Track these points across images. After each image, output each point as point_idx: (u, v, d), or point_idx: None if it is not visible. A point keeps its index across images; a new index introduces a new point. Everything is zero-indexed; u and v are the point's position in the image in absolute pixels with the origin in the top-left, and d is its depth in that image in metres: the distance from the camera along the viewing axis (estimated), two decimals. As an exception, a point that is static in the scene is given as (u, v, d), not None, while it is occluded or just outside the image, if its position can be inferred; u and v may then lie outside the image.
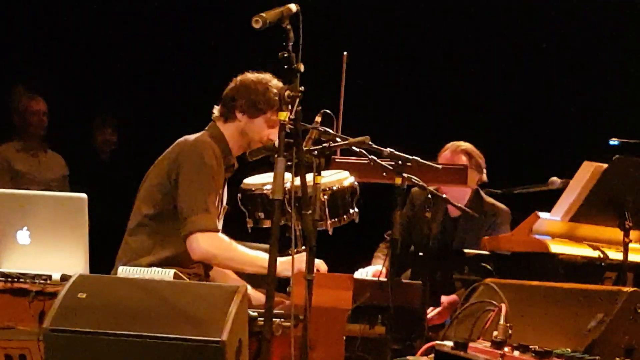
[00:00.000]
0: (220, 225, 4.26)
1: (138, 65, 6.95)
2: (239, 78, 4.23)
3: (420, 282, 4.33)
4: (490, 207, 5.20)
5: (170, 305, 3.12)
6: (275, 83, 4.17)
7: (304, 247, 3.86)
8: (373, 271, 5.01)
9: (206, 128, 4.23)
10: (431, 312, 4.92)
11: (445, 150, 5.27)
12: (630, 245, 4.17)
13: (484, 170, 5.24)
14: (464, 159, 5.20)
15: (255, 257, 4.05)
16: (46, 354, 3.10)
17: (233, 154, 4.21)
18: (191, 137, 4.17)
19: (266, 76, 4.20)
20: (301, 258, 3.74)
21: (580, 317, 3.31)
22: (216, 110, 4.24)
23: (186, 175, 4.03)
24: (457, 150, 5.24)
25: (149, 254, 4.04)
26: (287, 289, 3.92)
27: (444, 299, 4.93)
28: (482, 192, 5.23)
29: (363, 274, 5.00)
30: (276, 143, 3.28)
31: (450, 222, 5.18)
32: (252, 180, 4.17)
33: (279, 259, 3.77)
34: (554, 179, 4.74)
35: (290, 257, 3.75)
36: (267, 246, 3.27)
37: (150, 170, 4.18)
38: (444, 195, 4.72)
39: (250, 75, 4.22)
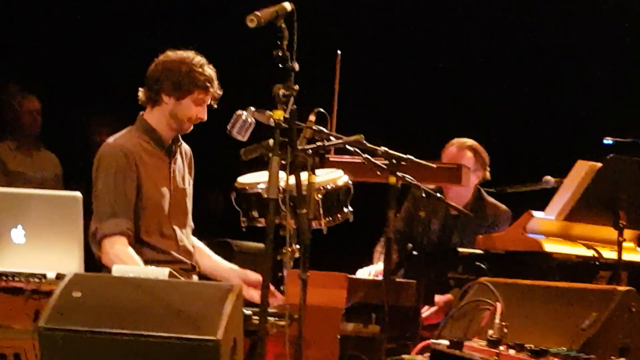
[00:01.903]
0: (190, 205, 4.27)
1: (133, 64, 6.93)
2: (161, 58, 4.19)
3: (415, 281, 4.34)
4: (491, 207, 5.21)
5: (165, 304, 3.11)
6: (198, 60, 4.14)
7: (298, 246, 3.86)
8: (376, 270, 5.00)
9: (135, 123, 4.23)
10: (426, 312, 4.92)
11: (451, 146, 5.27)
12: (624, 244, 4.18)
13: (488, 168, 5.24)
14: (469, 155, 5.21)
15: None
16: (41, 352, 3.10)
17: (165, 138, 4.19)
18: (111, 137, 4.18)
19: (189, 54, 4.17)
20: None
21: (575, 316, 3.31)
22: (142, 93, 4.21)
23: (99, 178, 4.07)
24: (464, 147, 5.25)
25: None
26: (282, 288, 3.93)
27: (439, 298, 4.93)
28: (483, 191, 5.23)
29: (365, 273, 4.99)
30: (271, 142, 3.28)
31: (451, 219, 5.18)
32: (246, 179, 4.17)
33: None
34: (548, 178, 4.74)
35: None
36: (261, 245, 3.27)
37: None
38: (438, 195, 4.72)
39: (172, 55, 4.18)
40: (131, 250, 4.02)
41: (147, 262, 3.97)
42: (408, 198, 5.22)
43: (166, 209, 4.15)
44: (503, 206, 5.22)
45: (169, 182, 4.19)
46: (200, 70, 4.12)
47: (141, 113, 4.24)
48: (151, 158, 4.15)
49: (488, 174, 5.25)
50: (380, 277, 4.86)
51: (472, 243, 4.98)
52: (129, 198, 4.06)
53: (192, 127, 4.21)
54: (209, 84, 4.13)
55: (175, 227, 4.19)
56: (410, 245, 4.55)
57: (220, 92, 4.18)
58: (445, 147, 5.27)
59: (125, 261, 3.93)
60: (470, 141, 5.28)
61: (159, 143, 4.19)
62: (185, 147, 4.34)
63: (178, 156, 4.27)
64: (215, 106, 4.21)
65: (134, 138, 4.16)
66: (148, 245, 4.10)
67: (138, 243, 4.07)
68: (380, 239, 5.32)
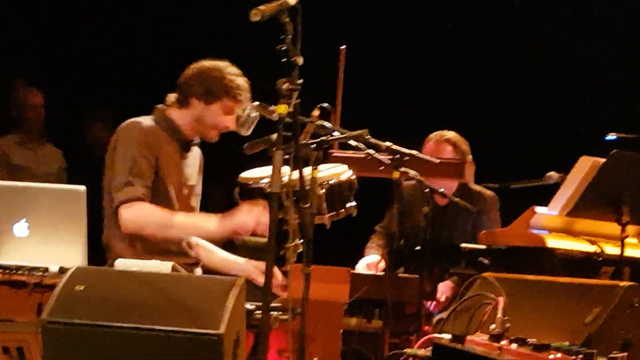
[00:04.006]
0: (195, 204, 4.27)
1: (137, 58, 6.95)
2: (195, 65, 4.22)
3: (417, 276, 4.34)
4: (478, 195, 5.21)
5: (168, 298, 3.12)
6: (231, 70, 4.18)
7: (301, 241, 3.86)
8: (366, 263, 5.01)
9: (152, 113, 4.23)
10: (431, 305, 4.94)
11: (430, 141, 5.25)
12: (627, 240, 4.18)
13: (470, 157, 5.21)
14: (449, 149, 5.20)
15: (188, 221, 4.06)
16: (44, 346, 3.10)
17: (184, 133, 4.20)
18: (126, 121, 4.17)
19: (222, 63, 4.20)
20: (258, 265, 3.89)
21: (578, 311, 3.32)
22: (172, 96, 4.24)
23: (114, 157, 4.06)
24: (441, 140, 5.23)
25: (131, 251, 4.04)
26: (285, 283, 3.93)
27: (442, 288, 4.94)
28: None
29: (358, 267, 5.00)
30: (274, 136, 3.28)
31: (439, 210, 5.17)
32: (249, 174, 4.17)
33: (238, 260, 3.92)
34: (552, 173, 4.74)
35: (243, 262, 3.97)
36: (264, 240, 3.28)
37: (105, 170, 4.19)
38: (442, 190, 4.71)
39: (206, 63, 4.21)
40: (152, 206, 4.00)
41: (151, 254, 3.97)
42: (396, 196, 5.21)
43: (174, 201, 4.16)
44: (489, 192, 5.23)
45: (179, 176, 4.20)
46: (232, 78, 4.15)
47: (161, 106, 4.24)
48: (167, 146, 4.16)
49: (473, 164, 5.23)
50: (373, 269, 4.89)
51: (461, 233, 4.99)
52: (146, 169, 4.05)
53: (217, 137, 4.21)
54: (238, 93, 4.14)
55: None
56: (402, 242, 4.55)
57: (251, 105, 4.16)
58: (425, 142, 5.25)
59: (149, 216, 3.95)
60: (449, 134, 5.25)
61: (176, 135, 4.19)
62: (198, 149, 4.34)
63: (190, 154, 4.28)
64: None
65: (153, 124, 4.16)
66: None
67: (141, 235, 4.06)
68: (371, 237, 5.33)
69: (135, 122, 4.13)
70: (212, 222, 4.03)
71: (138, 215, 3.99)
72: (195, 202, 4.31)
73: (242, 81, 4.18)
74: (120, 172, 4.03)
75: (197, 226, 4.09)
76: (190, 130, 4.22)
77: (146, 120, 4.17)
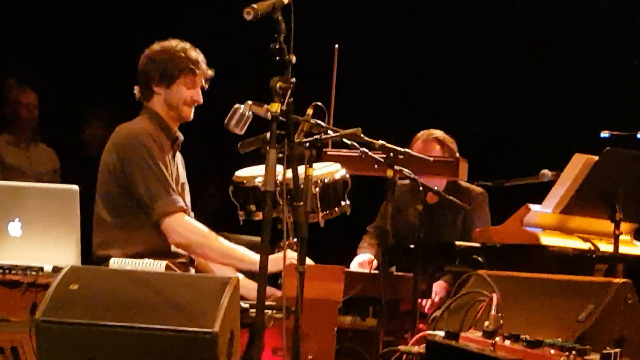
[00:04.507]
0: (188, 201, 4.26)
1: (130, 57, 6.94)
2: (146, 52, 4.24)
3: (412, 274, 4.34)
4: (466, 191, 5.22)
5: (162, 297, 3.12)
6: (181, 46, 4.19)
7: (295, 240, 3.86)
8: (358, 262, 5.01)
9: (141, 112, 4.23)
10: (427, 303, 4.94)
11: (417, 141, 5.26)
12: (621, 237, 4.19)
13: (457, 155, 5.21)
14: (437, 148, 5.21)
15: (233, 248, 4.06)
16: (38, 345, 3.10)
17: (171, 129, 4.21)
18: (127, 126, 4.17)
19: (171, 42, 4.22)
20: (289, 254, 3.77)
21: (572, 308, 3.32)
22: (136, 90, 4.25)
23: (137, 167, 4.03)
24: (430, 139, 5.24)
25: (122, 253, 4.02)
26: (279, 282, 3.93)
27: (435, 289, 4.94)
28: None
29: (351, 267, 5.00)
30: (268, 135, 3.27)
31: (428, 208, 5.16)
32: (244, 173, 4.18)
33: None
34: (545, 171, 4.74)
35: (277, 254, 3.78)
36: (258, 239, 3.28)
37: (100, 176, 4.16)
38: (436, 188, 4.71)
39: (156, 46, 4.23)
40: (197, 222, 4.05)
41: (145, 254, 3.96)
42: (390, 194, 5.21)
43: (188, 201, 4.16)
44: (478, 188, 5.23)
45: (173, 175, 4.19)
46: (182, 54, 4.17)
47: (147, 103, 4.24)
48: (165, 146, 4.16)
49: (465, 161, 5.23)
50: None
51: (451, 230, 4.99)
52: (168, 175, 4.07)
53: (192, 112, 4.21)
54: (193, 66, 4.16)
55: None
56: (393, 240, 4.55)
57: (210, 73, 4.21)
58: (413, 142, 5.26)
59: (202, 234, 3.98)
60: (436, 132, 5.27)
61: (166, 131, 4.19)
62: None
63: (178, 153, 4.28)
64: (207, 87, 4.23)
65: (149, 125, 4.16)
66: (149, 236, 4.07)
67: (138, 232, 4.06)
68: (363, 237, 5.34)
69: (140, 129, 4.11)
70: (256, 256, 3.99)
71: (188, 230, 4.01)
72: (188, 201, 4.30)
73: (192, 53, 4.19)
74: (154, 182, 4.02)
75: (239, 258, 4.06)
76: (169, 118, 4.21)
77: (144, 122, 4.16)
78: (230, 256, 4.05)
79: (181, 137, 4.27)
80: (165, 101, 4.19)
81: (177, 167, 4.25)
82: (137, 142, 4.06)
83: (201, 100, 4.20)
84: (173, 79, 4.17)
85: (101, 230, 4.08)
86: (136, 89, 4.24)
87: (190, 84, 4.18)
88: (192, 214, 4.24)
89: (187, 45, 4.21)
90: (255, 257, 3.94)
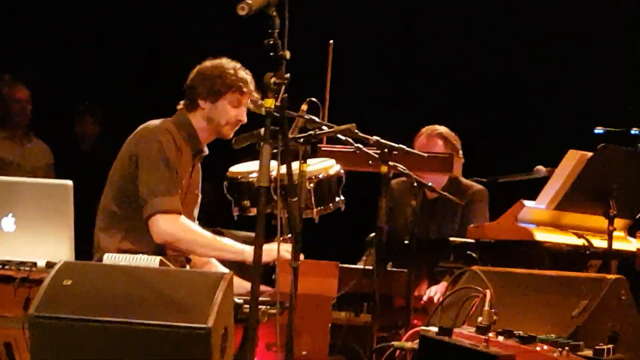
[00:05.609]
0: (196, 214, 4.27)
1: (123, 53, 6.93)
2: (197, 68, 4.26)
3: (406, 270, 4.35)
4: (467, 188, 5.22)
5: (156, 292, 3.11)
6: (232, 65, 4.20)
7: (289, 235, 3.86)
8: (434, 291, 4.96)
9: (172, 116, 4.24)
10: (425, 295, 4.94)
11: (421, 136, 5.26)
12: (615, 233, 4.20)
13: (461, 152, 5.23)
14: (440, 144, 5.21)
15: (219, 241, 4.08)
16: (32, 341, 3.09)
17: (202, 142, 4.22)
18: (152, 122, 4.17)
19: (222, 60, 4.23)
20: (283, 247, 3.77)
21: (565, 304, 3.33)
22: (181, 104, 4.26)
23: (146, 160, 4.04)
24: (433, 135, 5.24)
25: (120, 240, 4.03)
26: (273, 277, 3.93)
27: (438, 289, 4.93)
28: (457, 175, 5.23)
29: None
30: (262, 131, 3.27)
31: (428, 204, 5.17)
32: (238, 169, 4.17)
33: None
34: (539, 167, 4.74)
35: (269, 245, 3.77)
36: (252, 234, 3.27)
37: (115, 164, 4.17)
38: (430, 184, 4.71)
39: (207, 63, 4.25)
40: (189, 222, 4.06)
41: (142, 247, 3.97)
42: (384, 190, 5.21)
43: (196, 214, 4.18)
44: (478, 185, 5.24)
45: (187, 183, 4.20)
46: (232, 72, 4.18)
47: (182, 108, 4.24)
48: (185, 152, 4.17)
49: (462, 158, 5.24)
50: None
51: (451, 228, 4.99)
52: (179, 178, 4.08)
53: (232, 133, 4.20)
54: (241, 85, 4.15)
55: None
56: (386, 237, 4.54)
57: (258, 96, 4.15)
58: (416, 137, 5.26)
59: (186, 232, 3.98)
60: (440, 128, 5.26)
61: (192, 141, 4.19)
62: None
63: (199, 164, 4.28)
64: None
65: (173, 128, 4.16)
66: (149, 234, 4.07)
67: (140, 223, 4.06)
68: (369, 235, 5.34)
69: (161, 127, 4.12)
70: (246, 248, 4.01)
71: (177, 228, 4.00)
72: (197, 211, 4.30)
73: (242, 73, 4.21)
74: (157, 179, 4.01)
75: (227, 250, 4.09)
76: (206, 132, 4.21)
77: (168, 124, 4.17)
78: (220, 249, 4.06)
79: (206, 151, 4.26)
80: (207, 116, 4.18)
81: (195, 176, 4.25)
82: (154, 138, 4.07)
83: (245, 120, 4.19)
84: (219, 95, 4.16)
85: (104, 217, 4.09)
86: (182, 103, 4.25)
87: (236, 102, 4.17)
88: (196, 222, 4.24)
89: (238, 64, 4.22)
90: (243, 247, 4.00)
